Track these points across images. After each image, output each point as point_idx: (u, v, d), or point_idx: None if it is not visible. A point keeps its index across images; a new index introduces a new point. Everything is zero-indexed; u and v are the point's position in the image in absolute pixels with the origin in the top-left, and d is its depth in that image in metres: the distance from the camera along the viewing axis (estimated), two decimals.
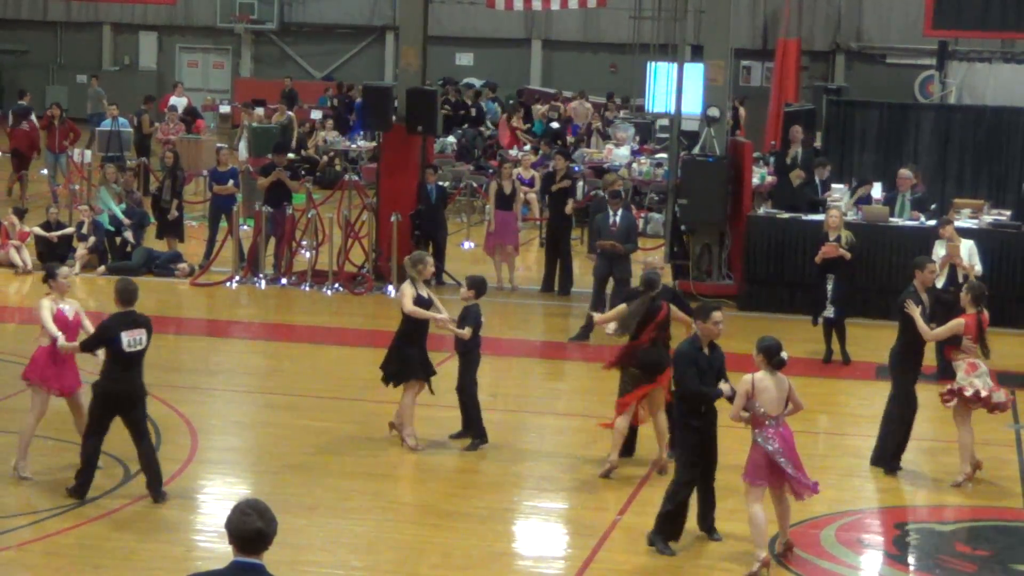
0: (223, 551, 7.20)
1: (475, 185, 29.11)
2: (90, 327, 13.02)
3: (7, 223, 23.39)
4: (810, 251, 19.10)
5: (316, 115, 36.90)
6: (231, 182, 23.61)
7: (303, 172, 26.29)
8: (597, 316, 16.09)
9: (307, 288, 22.14)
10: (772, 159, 26.29)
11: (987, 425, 14.53)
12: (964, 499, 13.71)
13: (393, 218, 21.86)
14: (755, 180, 24.87)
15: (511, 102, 37.88)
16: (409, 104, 22.31)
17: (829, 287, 18.39)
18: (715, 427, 11.79)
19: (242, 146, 32.15)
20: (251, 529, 6.61)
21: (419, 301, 14.32)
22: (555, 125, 34.26)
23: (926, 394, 14.59)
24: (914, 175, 22.05)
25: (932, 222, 20.33)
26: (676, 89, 22.50)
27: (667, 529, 11.85)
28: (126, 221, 23.38)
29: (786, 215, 21.84)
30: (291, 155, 27.95)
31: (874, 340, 18.79)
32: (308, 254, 22.88)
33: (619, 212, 19.71)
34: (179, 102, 35.03)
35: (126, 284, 12.72)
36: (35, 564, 11.51)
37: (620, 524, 12.52)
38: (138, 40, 46.97)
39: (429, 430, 14.86)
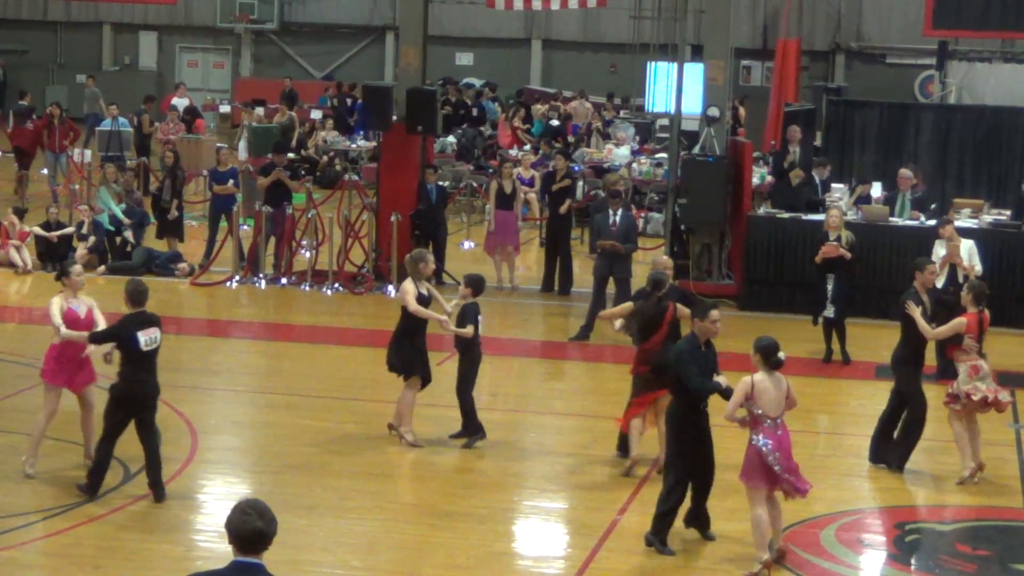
0: (223, 551, 7.20)
1: (475, 185, 29.11)
2: (103, 324, 13.06)
3: (7, 223, 23.39)
4: (810, 251, 19.10)
5: (316, 115, 36.90)
6: (231, 182, 23.61)
7: (303, 172, 26.30)
8: (603, 311, 16.12)
9: (307, 288, 22.14)
10: (771, 159, 26.27)
11: (987, 425, 14.52)
12: (964, 499, 13.71)
13: (393, 218, 21.86)
14: (755, 180, 24.88)
15: (511, 102, 37.88)
16: (409, 104, 22.31)
17: (829, 287, 18.39)
18: (709, 425, 11.78)
19: (242, 146, 32.15)
20: (251, 529, 6.61)
21: (419, 299, 14.35)
22: (555, 123, 34.27)
23: (926, 394, 14.57)
24: (914, 175, 22.06)
25: (932, 222, 20.33)
26: (676, 89, 22.49)
27: (664, 530, 11.85)
28: (126, 221, 23.39)
29: (786, 215, 21.83)
30: (291, 155, 27.96)
31: (874, 340, 18.81)
32: (308, 254, 22.89)
33: (619, 212, 19.73)
34: (180, 103, 35.04)
35: (137, 285, 12.77)
36: (35, 564, 11.53)
37: (620, 524, 12.52)
38: (138, 40, 46.96)
39: (429, 430, 14.86)
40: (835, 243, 18.38)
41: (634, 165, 29.05)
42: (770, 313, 20.81)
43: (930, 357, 15.48)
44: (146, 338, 12.41)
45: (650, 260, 23.72)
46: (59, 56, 47.09)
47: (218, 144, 31.29)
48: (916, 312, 13.87)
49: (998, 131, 26.31)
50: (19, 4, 46.90)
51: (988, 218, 21.83)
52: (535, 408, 16.74)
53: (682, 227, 22.62)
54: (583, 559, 11.75)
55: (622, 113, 36.55)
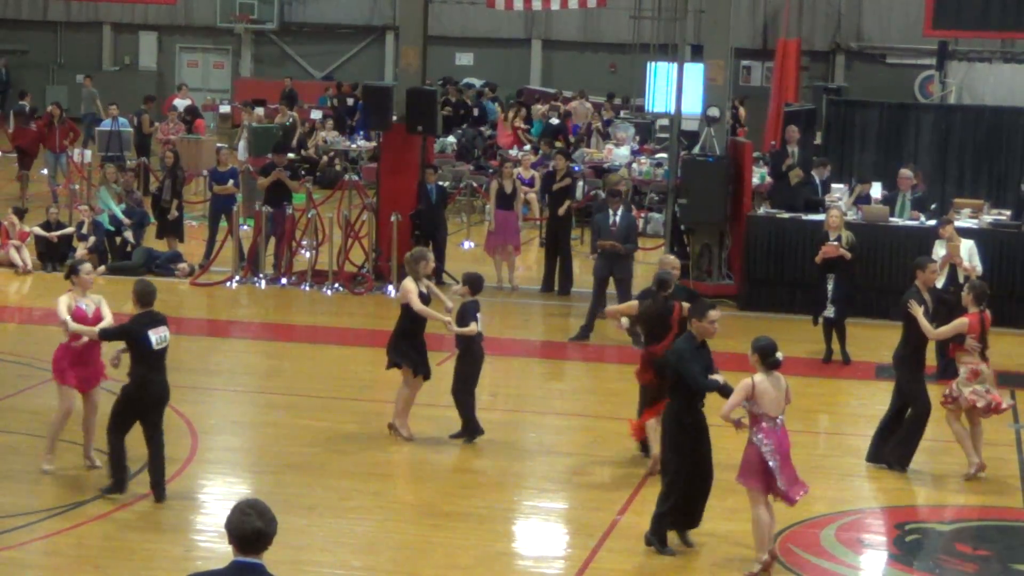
0: (223, 551, 7.20)
1: (475, 185, 29.12)
2: (110, 318, 13.07)
3: (7, 223, 23.39)
4: (810, 251, 19.10)
5: (316, 115, 36.90)
6: (231, 182, 23.62)
7: (303, 172, 26.30)
8: (610, 307, 16.10)
9: (307, 288, 22.14)
10: (769, 160, 26.25)
11: (987, 425, 14.52)
12: (964, 499, 13.72)
13: (393, 218, 21.86)
14: (755, 180, 24.88)
15: (510, 102, 37.87)
16: (409, 104, 22.31)
17: (829, 287, 18.39)
18: (707, 426, 11.75)
19: (242, 146, 32.16)
20: (251, 529, 6.62)
21: (420, 298, 14.39)
22: (555, 121, 34.29)
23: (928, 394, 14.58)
24: (914, 175, 22.06)
25: (932, 222, 20.34)
26: (676, 89, 22.49)
27: (663, 530, 11.83)
28: (126, 221, 23.40)
29: (786, 215, 21.83)
30: (291, 155, 27.96)
31: (874, 340, 18.82)
32: (308, 254, 22.89)
33: (619, 212, 19.72)
34: (182, 104, 35.05)
35: (145, 285, 12.80)
36: (35, 564, 11.53)
37: (620, 524, 12.52)
38: (138, 40, 46.93)
39: (429, 429, 14.87)
40: (835, 243, 18.38)
41: (634, 165, 29.04)
42: (770, 313, 20.81)
43: (930, 357, 15.49)
44: (157, 337, 12.45)
45: (650, 260, 23.82)
46: (59, 56, 47.08)
47: (218, 144, 31.29)
48: (918, 311, 13.87)
49: (998, 131, 26.32)
50: (19, 4, 46.89)
51: (988, 218, 21.84)
52: (535, 408, 16.74)
53: (682, 227, 22.61)
54: (583, 559, 11.75)
55: (622, 113, 36.54)
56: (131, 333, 12.52)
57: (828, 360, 18.44)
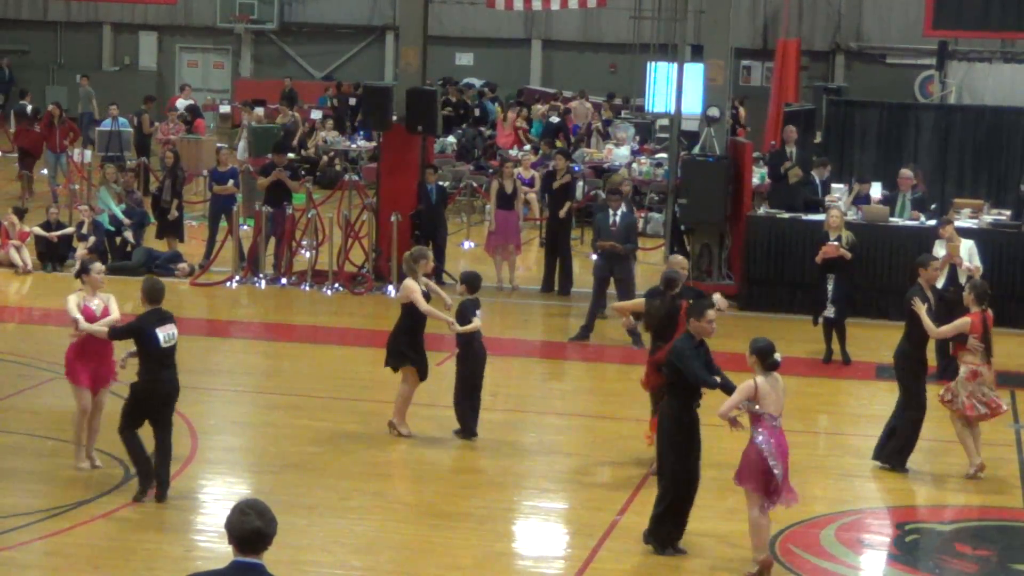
0: (223, 551, 7.20)
1: (475, 185, 29.12)
2: (117, 314, 13.09)
3: (7, 223, 23.39)
4: (810, 251, 19.10)
5: (316, 115, 36.90)
6: (231, 182, 23.61)
7: (303, 172, 26.29)
8: (617, 303, 16.08)
9: (307, 288, 22.14)
10: (768, 160, 26.24)
11: (987, 425, 14.51)
12: (964, 499, 13.72)
13: (393, 218, 21.86)
14: (755, 180, 24.87)
15: (510, 101, 37.86)
16: (409, 104, 22.31)
17: (829, 287, 18.38)
18: (699, 429, 11.75)
19: (242, 146, 32.15)
20: (251, 529, 6.61)
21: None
22: (555, 119, 34.30)
23: (927, 394, 14.56)
24: (914, 175, 22.06)
25: (932, 222, 20.34)
26: (676, 89, 22.49)
27: (661, 531, 11.82)
28: (126, 221, 23.39)
29: (786, 215, 21.83)
30: (291, 155, 27.95)
31: (874, 340, 18.82)
32: (308, 254, 22.88)
33: (619, 211, 19.70)
34: (183, 104, 35.05)
35: (154, 283, 12.82)
36: (35, 564, 11.52)
37: (620, 524, 12.51)
38: (138, 40, 46.91)
39: (429, 429, 14.87)
40: (835, 243, 18.37)
41: (634, 165, 29.03)
42: (770, 313, 20.81)
43: (930, 358, 15.47)
44: (165, 334, 12.46)
45: (650, 260, 23.84)
46: (59, 56, 47.06)
47: (218, 144, 31.28)
48: (922, 309, 13.88)
49: (998, 131, 26.32)
50: (19, 4, 46.87)
51: (988, 218, 21.83)
52: (535, 408, 16.74)
53: (682, 227, 22.61)
54: (583, 559, 11.75)
55: (622, 113, 36.53)
56: (139, 330, 12.53)
57: (828, 360, 18.44)
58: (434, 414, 15.09)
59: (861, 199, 22.39)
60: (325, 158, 33.36)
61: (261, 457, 14.36)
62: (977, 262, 17.93)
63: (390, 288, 21.46)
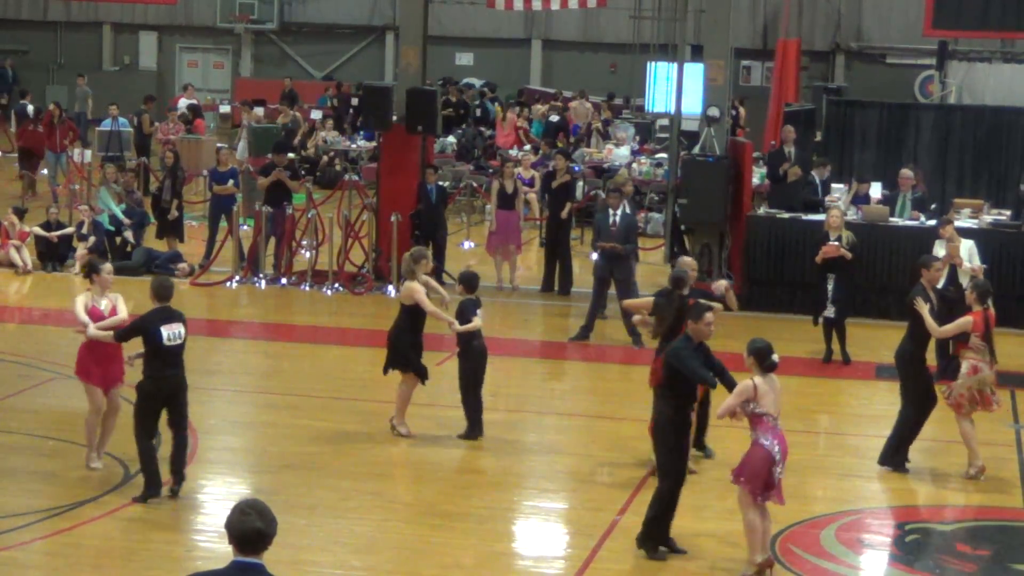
0: (223, 551, 7.20)
1: (475, 185, 29.12)
2: (125, 314, 13.10)
3: (7, 223, 23.39)
4: (810, 251, 19.09)
5: (316, 115, 36.91)
6: (231, 182, 23.61)
7: (303, 172, 26.28)
8: (627, 301, 16.05)
9: (307, 288, 22.14)
10: (767, 160, 26.23)
11: (987, 425, 14.54)
12: (964, 499, 13.72)
13: (393, 218, 21.86)
14: (755, 180, 24.87)
15: (511, 101, 37.87)
16: (409, 104, 22.31)
17: (829, 287, 18.38)
18: (689, 436, 11.76)
19: (242, 146, 32.15)
20: (251, 529, 6.61)
21: None
22: (555, 118, 34.29)
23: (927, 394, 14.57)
24: (914, 175, 22.06)
25: (932, 222, 20.34)
26: (676, 89, 22.49)
27: (656, 534, 11.81)
28: (126, 221, 23.39)
29: (786, 215, 21.83)
30: (291, 155, 27.95)
31: (874, 340, 18.82)
32: (308, 254, 22.88)
33: (619, 211, 19.69)
34: (184, 104, 35.06)
35: (162, 281, 12.83)
36: (35, 564, 11.52)
37: (620, 524, 12.51)
38: (138, 40, 46.92)
39: (430, 429, 14.87)
40: (835, 243, 18.37)
41: (634, 165, 29.03)
42: (770, 313, 20.80)
43: (930, 358, 15.47)
44: (169, 333, 12.43)
45: (650, 261, 23.83)
46: (59, 56, 47.07)
47: (218, 144, 31.27)
48: (924, 309, 13.88)
49: (998, 131, 26.31)
50: (19, 4, 46.88)
51: (988, 218, 21.83)
52: (535, 408, 16.74)
53: (682, 227, 22.61)
54: (583, 559, 11.75)
55: (622, 113, 36.54)
56: (142, 328, 12.54)
57: (828, 360, 18.44)
58: (434, 414, 15.09)
59: (859, 198, 22.39)
60: (325, 158, 33.36)
61: (261, 457, 14.36)
62: (978, 262, 17.94)
63: (390, 288, 21.46)
